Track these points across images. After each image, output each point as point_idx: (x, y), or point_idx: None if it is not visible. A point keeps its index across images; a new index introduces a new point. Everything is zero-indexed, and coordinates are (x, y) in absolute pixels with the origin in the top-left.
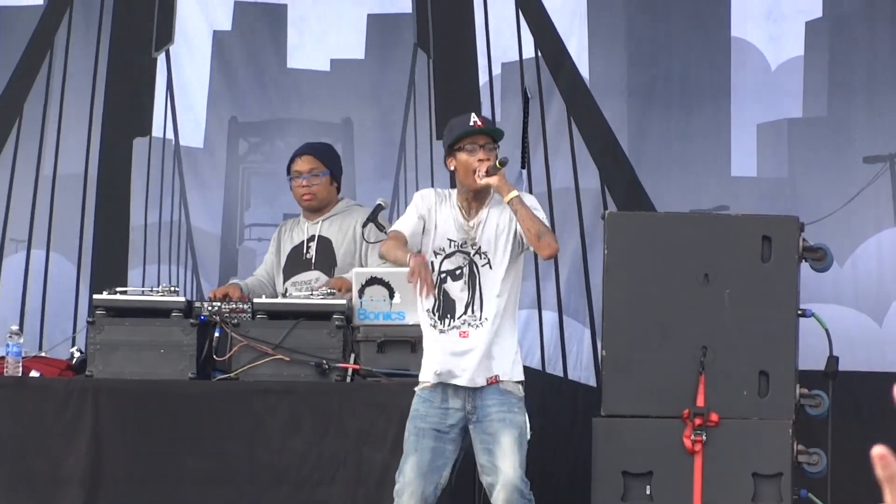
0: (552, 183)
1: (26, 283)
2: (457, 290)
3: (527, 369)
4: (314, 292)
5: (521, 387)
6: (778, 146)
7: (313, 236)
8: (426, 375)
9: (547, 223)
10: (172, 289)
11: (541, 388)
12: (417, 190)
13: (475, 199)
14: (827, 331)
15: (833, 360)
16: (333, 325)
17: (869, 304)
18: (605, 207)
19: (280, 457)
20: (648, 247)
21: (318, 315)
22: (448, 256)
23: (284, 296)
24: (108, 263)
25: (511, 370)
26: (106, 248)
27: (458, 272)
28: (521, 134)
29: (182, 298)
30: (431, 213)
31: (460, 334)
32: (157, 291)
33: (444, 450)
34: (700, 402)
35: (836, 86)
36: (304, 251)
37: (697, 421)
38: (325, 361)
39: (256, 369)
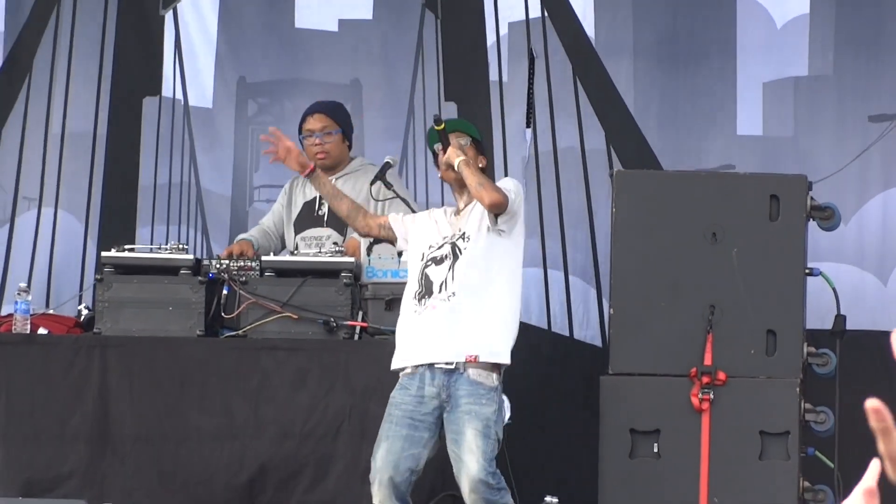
0: (557, 142)
1: (36, 241)
2: (436, 272)
3: (532, 328)
4: (322, 250)
5: (495, 376)
6: (783, 105)
7: None
8: (402, 359)
9: (510, 188)
10: (181, 246)
11: (547, 348)
12: (426, 149)
13: (463, 191)
14: (834, 290)
15: (840, 318)
16: (342, 283)
17: (874, 264)
18: (611, 167)
19: (285, 411)
20: (656, 205)
21: (326, 273)
22: (438, 248)
23: (294, 251)
24: (117, 222)
25: (490, 349)
26: (114, 208)
27: (440, 258)
28: (526, 93)
29: (190, 256)
30: (416, 220)
31: (431, 308)
32: (166, 249)
33: (419, 438)
34: (707, 360)
35: (842, 44)
36: (317, 207)
37: (705, 379)
38: (332, 319)
39: (264, 327)
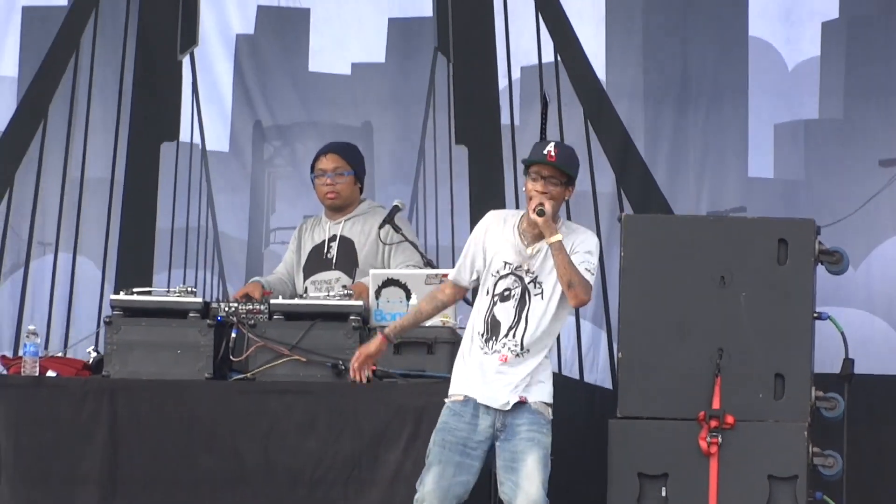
0: None
1: (53, 285)
2: (504, 312)
3: None
4: (330, 293)
5: (550, 409)
6: (794, 147)
7: (335, 236)
8: (458, 388)
9: (593, 268)
10: (190, 289)
11: (557, 391)
12: (436, 193)
13: (535, 227)
14: (843, 334)
15: (848, 362)
16: (350, 326)
17: (883, 308)
18: (622, 210)
19: (295, 457)
20: (665, 249)
21: (334, 316)
22: (502, 278)
23: (304, 294)
24: (133, 267)
25: (545, 391)
26: (131, 252)
27: (506, 294)
28: (539, 138)
29: (199, 299)
30: (488, 234)
31: (500, 358)
32: (175, 292)
33: (469, 465)
34: (716, 403)
35: (852, 87)
36: (326, 250)
37: (713, 423)
38: (341, 362)
39: (273, 370)
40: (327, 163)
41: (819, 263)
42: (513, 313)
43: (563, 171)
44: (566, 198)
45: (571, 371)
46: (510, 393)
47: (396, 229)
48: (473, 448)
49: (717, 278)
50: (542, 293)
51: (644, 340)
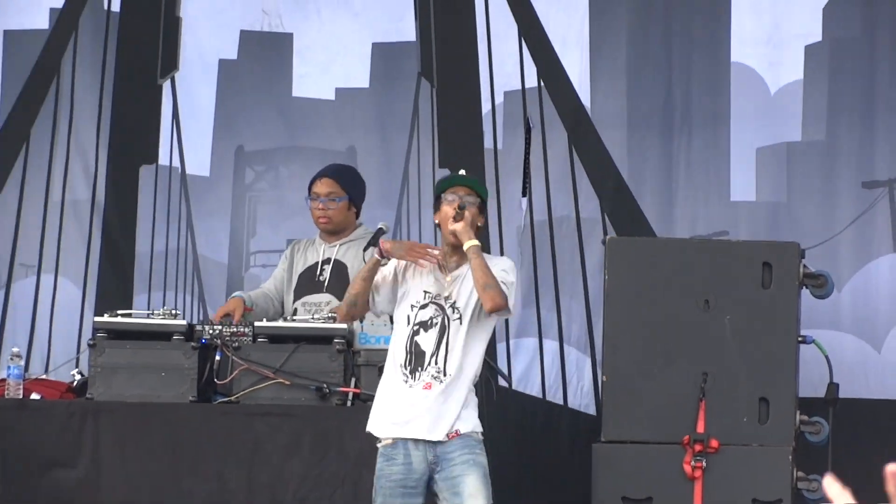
0: (553, 212)
1: (35, 307)
2: (426, 341)
3: (526, 396)
4: (314, 316)
5: (479, 432)
6: (777, 170)
7: (329, 259)
8: (384, 430)
9: (509, 283)
10: (173, 312)
11: (541, 416)
12: (420, 216)
13: (455, 252)
14: (827, 357)
15: (833, 386)
16: (334, 349)
17: (867, 331)
18: (605, 235)
19: (279, 478)
20: (649, 272)
21: (318, 339)
22: (422, 308)
23: (293, 315)
24: (113, 289)
25: (473, 425)
26: (111, 274)
27: (429, 323)
28: (522, 163)
29: (183, 321)
30: (408, 267)
31: (424, 386)
32: (158, 314)
33: None
34: (700, 428)
35: (835, 110)
36: (318, 273)
37: (697, 447)
38: (325, 385)
39: (257, 393)
40: (321, 187)
41: (803, 287)
42: (434, 341)
43: (477, 190)
44: (480, 224)
45: (555, 396)
46: (435, 420)
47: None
48: (413, 486)
49: (701, 302)
50: (460, 318)
51: (628, 364)
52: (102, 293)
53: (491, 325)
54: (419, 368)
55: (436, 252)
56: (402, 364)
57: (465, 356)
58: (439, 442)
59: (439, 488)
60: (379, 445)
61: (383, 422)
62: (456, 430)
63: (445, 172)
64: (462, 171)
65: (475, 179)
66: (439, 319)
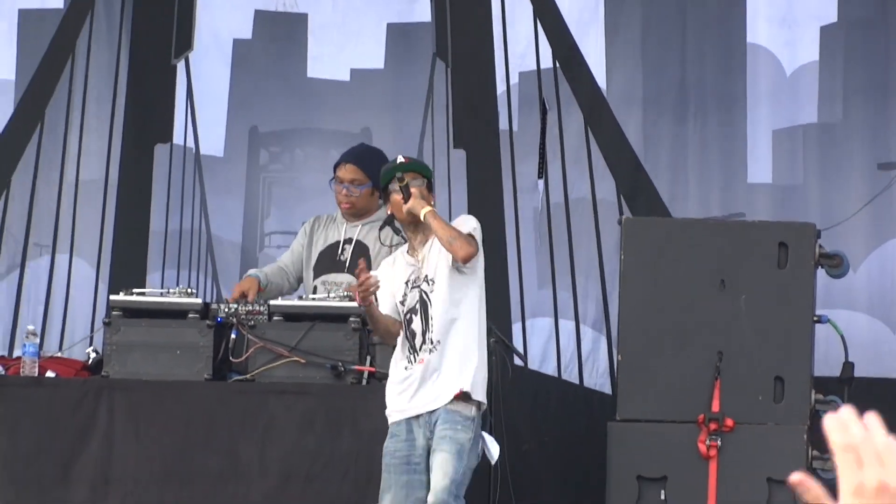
0: (569, 193)
1: (50, 287)
2: (416, 324)
3: (542, 376)
4: (330, 294)
5: (473, 408)
6: (793, 152)
7: (350, 239)
8: (391, 410)
9: (473, 230)
10: (189, 290)
11: (556, 395)
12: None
13: (417, 231)
14: (842, 337)
15: (848, 365)
16: (350, 328)
17: (883, 311)
18: (621, 216)
19: (292, 454)
20: (665, 252)
21: (334, 317)
22: (406, 298)
23: (313, 293)
24: (127, 268)
25: (467, 382)
26: (125, 253)
27: (414, 308)
28: (538, 144)
29: (198, 300)
30: (388, 282)
31: (419, 361)
32: (174, 293)
33: (418, 481)
34: (715, 407)
35: (850, 91)
36: (339, 252)
37: (712, 426)
38: (340, 364)
39: (272, 371)
40: (345, 173)
41: (819, 267)
42: (421, 320)
43: (420, 172)
44: (432, 203)
45: (571, 376)
46: (433, 389)
47: (396, 231)
48: (417, 463)
49: (717, 282)
50: (434, 286)
51: (643, 343)
52: (116, 272)
53: (472, 279)
54: (416, 351)
55: (364, 277)
56: (404, 351)
57: (449, 317)
58: (434, 413)
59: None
60: (390, 424)
61: (391, 408)
62: (460, 389)
63: (460, 152)
64: (400, 157)
65: (414, 162)
66: (418, 296)
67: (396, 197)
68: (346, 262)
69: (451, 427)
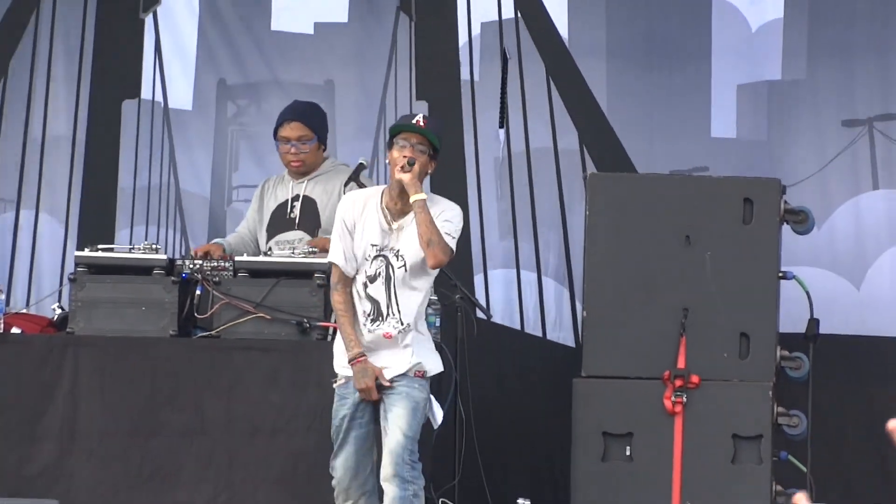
0: (530, 143)
1: (15, 243)
2: (377, 292)
3: (505, 329)
4: (295, 251)
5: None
6: (757, 108)
7: (298, 195)
8: (340, 370)
9: (453, 234)
10: (154, 247)
11: (519, 349)
12: None
13: (402, 196)
14: (808, 293)
15: (814, 322)
16: (315, 284)
17: (846, 268)
18: (584, 168)
19: (257, 409)
20: (629, 208)
21: (299, 274)
22: (373, 260)
23: (267, 254)
24: (96, 224)
25: (429, 366)
26: (93, 210)
27: (375, 275)
28: (499, 94)
29: (163, 256)
30: (356, 223)
31: (385, 335)
32: (139, 249)
33: (366, 433)
34: (681, 363)
35: (815, 49)
36: (289, 210)
37: (678, 382)
38: (306, 320)
39: (238, 327)
40: (291, 131)
41: (784, 223)
42: (384, 291)
43: (430, 140)
44: (429, 171)
45: (534, 329)
46: (396, 366)
47: (361, 186)
48: (361, 416)
49: (682, 237)
50: (404, 266)
51: (609, 299)
52: (85, 229)
53: (433, 271)
54: (379, 318)
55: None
56: (364, 313)
57: (415, 301)
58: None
59: (381, 416)
60: (334, 385)
61: (339, 364)
62: (423, 371)
63: (423, 104)
64: (419, 117)
65: (429, 128)
66: (383, 269)
67: (397, 156)
68: (296, 219)
69: (409, 385)
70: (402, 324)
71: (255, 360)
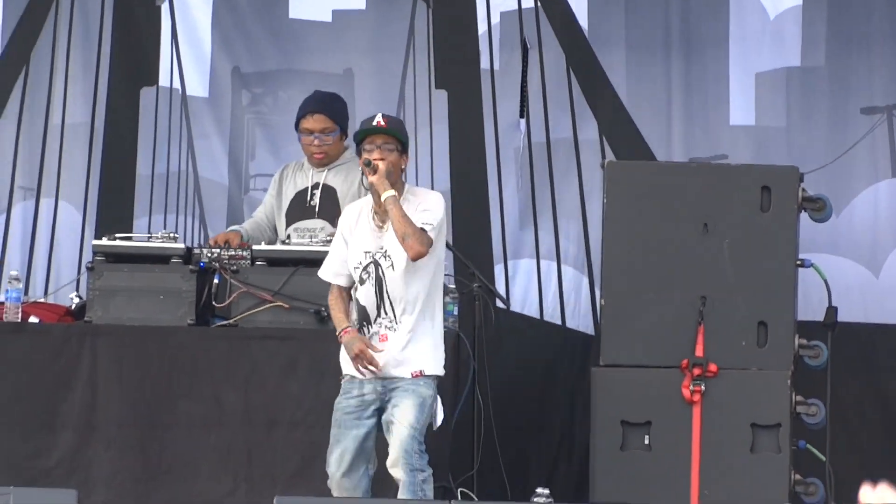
0: (551, 133)
1: (35, 231)
2: (366, 295)
3: (524, 317)
4: (313, 240)
5: (433, 376)
6: (776, 95)
7: (318, 184)
8: (345, 368)
9: (432, 223)
10: (172, 235)
11: (539, 337)
12: (416, 137)
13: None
14: (826, 281)
15: (832, 310)
16: None
17: (865, 255)
18: (604, 157)
19: (275, 400)
20: (648, 196)
21: (317, 262)
22: (363, 266)
23: (286, 241)
24: (114, 212)
25: (430, 367)
26: (112, 197)
27: (363, 277)
28: (519, 84)
29: (181, 245)
30: (352, 232)
31: (380, 338)
32: (157, 238)
33: (365, 434)
34: (699, 352)
35: (833, 36)
36: (309, 198)
37: (696, 371)
38: (323, 308)
39: (255, 316)
40: (314, 123)
41: (802, 211)
42: (373, 293)
43: (395, 136)
44: (403, 166)
45: (553, 317)
46: (393, 367)
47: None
48: (364, 411)
49: (700, 225)
50: (392, 265)
51: (627, 288)
52: (103, 217)
53: (432, 260)
54: (369, 322)
55: (371, 367)
56: (359, 316)
57: (410, 297)
58: (390, 378)
59: (384, 410)
60: (342, 380)
61: (345, 362)
62: (420, 371)
63: (441, 93)
64: (378, 118)
65: (391, 126)
66: (373, 271)
67: (368, 155)
68: (315, 207)
69: (414, 383)
70: (397, 324)
71: (272, 349)
